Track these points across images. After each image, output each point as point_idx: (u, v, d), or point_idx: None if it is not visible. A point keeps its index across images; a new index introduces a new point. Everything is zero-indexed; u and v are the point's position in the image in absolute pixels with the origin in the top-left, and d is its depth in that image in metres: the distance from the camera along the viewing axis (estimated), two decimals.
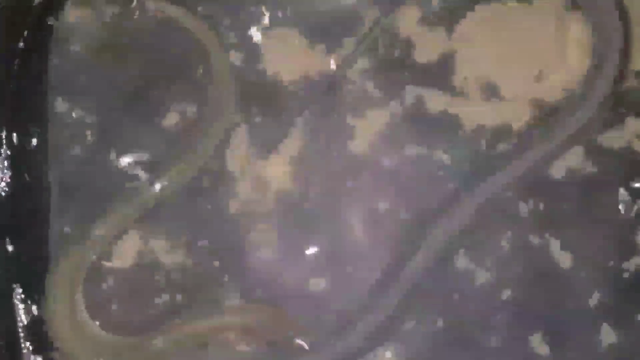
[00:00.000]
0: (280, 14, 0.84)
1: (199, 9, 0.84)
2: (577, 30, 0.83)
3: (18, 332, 0.78)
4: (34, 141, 0.83)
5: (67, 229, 0.82)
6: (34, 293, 0.80)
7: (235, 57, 0.84)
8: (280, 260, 0.82)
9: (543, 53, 0.83)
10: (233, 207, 0.82)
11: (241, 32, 0.84)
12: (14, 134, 0.83)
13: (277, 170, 0.83)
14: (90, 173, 0.83)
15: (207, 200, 0.82)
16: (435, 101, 0.83)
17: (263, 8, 0.84)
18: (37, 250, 0.81)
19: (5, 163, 0.82)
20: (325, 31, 0.84)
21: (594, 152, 0.81)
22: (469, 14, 0.83)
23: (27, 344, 0.78)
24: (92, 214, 0.81)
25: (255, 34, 0.84)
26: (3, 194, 0.81)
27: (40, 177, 0.82)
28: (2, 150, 0.81)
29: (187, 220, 0.82)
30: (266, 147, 0.83)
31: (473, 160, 0.81)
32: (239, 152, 0.83)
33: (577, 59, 0.83)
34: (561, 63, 0.83)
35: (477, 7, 0.83)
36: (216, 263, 0.82)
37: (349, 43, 0.84)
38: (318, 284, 0.80)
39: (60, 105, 0.84)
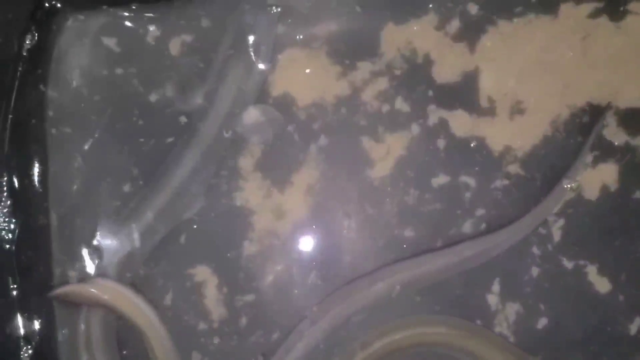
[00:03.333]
0: (295, 35, 0.78)
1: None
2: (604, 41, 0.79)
3: None
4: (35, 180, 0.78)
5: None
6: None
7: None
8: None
9: (568, 67, 0.78)
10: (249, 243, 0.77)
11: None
12: (14, 178, 0.77)
13: (294, 201, 0.78)
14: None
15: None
16: (460, 122, 0.78)
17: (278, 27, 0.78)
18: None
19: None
20: (340, 52, 0.79)
21: (629, 171, 0.76)
22: (491, 29, 0.78)
23: None
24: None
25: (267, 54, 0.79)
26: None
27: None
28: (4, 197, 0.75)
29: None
30: (281, 176, 0.77)
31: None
32: (252, 183, 0.77)
33: (603, 71, 0.78)
34: (587, 76, 0.79)
35: (500, 21, 0.78)
36: None
37: (364, 65, 0.79)
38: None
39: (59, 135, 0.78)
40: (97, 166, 0.78)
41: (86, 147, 0.78)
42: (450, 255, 0.74)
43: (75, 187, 0.78)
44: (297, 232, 0.78)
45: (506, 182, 0.77)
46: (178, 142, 0.77)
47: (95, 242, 0.78)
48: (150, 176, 0.77)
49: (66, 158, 0.78)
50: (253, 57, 0.78)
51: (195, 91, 0.77)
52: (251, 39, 0.78)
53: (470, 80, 0.75)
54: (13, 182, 0.77)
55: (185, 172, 0.75)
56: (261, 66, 0.78)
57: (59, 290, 0.74)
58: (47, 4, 0.77)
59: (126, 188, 0.78)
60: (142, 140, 0.78)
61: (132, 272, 0.76)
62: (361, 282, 0.75)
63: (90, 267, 0.77)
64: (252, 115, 0.78)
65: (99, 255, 0.77)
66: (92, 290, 0.73)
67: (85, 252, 0.78)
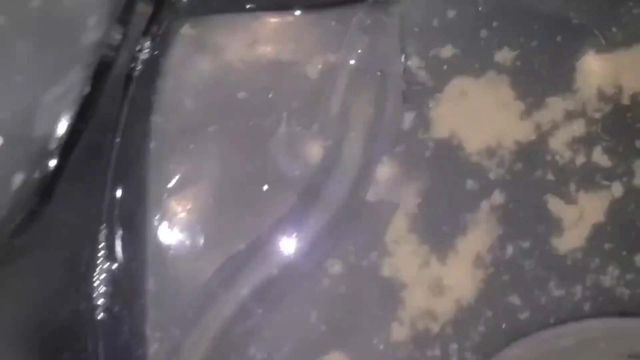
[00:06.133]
0: (469, 60, 0.61)
1: None
2: None
3: None
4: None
5: None
6: None
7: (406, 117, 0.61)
8: None
9: None
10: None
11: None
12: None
13: (458, 274, 0.60)
14: None
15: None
16: None
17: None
18: None
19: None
20: (526, 85, 0.61)
21: None
22: None
23: None
24: None
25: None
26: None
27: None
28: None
29: None
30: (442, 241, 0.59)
31: None
32: (405, 247, 0.60)
33: None
34: None
35: None
36: None
37: (555, 103, 0.61)
38: None
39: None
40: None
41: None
42: None
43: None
44: (460, 314, 0.60)
45: None
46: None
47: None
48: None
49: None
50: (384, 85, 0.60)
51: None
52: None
53: None
54: None
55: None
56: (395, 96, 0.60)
57: None
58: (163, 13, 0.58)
59: None
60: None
61: None
62: None
63: None
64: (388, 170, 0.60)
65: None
66: None
67: None
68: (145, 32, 0.58)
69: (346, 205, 0.60)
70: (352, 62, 0.61)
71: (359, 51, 0.61)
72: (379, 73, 0.60)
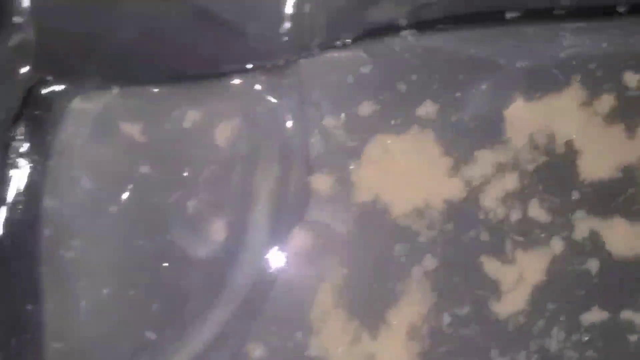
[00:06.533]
0: (389, 117, 0.57)
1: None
2: None
3: None
4: None
5: None
6: None
7: (324, 182, 0.56)
8: None
9: None
10: None
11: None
12: None
13: (392, 349, 0.55)
14: None
15: None
16: (618, 235, 0.56)
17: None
18: None
19: None
20: (452, 138, 0.57)
21: None
22: None
23: None
24: None
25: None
26: None
27: None
28: None
29: None
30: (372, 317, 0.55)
31: None
32: (333, 324, 0.55)
33: None
34: None
35: None
36: None
37: (484, 156, 0.57)
38: None
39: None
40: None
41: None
42: None
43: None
44: None
45: None
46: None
47: None
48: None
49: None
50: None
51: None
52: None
53: (629, 178, 0.54)
54: None
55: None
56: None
57: None
58: (45, 83, 0.53)
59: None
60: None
61: None
62: None
63: None
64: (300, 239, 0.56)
65: None
66: None
67: None
68: (18, 116, 0.53)
69: (259, 283, 0.55)
70: (251, 130, 0.56)
71: (258, 118, 0.56)
72: (280, 141, 0.55)
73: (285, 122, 0.56)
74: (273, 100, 0.56)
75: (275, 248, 0.56)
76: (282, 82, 0.55)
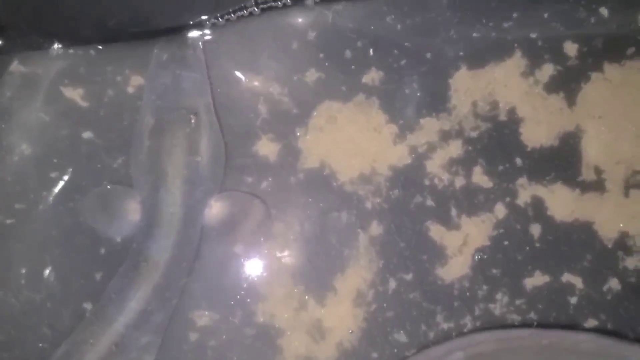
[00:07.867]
0: (336, 83, 0.57)
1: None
2: None
3: None
4: None
5: None
6: None
7: (271, 149, 0.56)
8: None
9: None
10: None
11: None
12: None
13: (338, 316, 0.55)
14: None
15: None
16: (560, 201, 0.57)
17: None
18: None
19: None
20: (398, 106, 0.57)
21: None
22: (595, 75, 0.58)
23: None
24: None
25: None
26: None
27: None
28: None
29: None
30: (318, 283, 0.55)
31: None
32: (279, 290, 0.55)
33: None
34: None
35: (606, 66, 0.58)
36: None
37: (430, 124, 0.57)
38: None
39: None
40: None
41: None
42: None
43: None
44: (344, 358, 0.55)
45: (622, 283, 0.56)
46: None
47: None
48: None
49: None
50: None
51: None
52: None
53: (570, 145, 0.54)
54: None
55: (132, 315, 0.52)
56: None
57: None
58: None
59: None
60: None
61: None
62: None
63: None
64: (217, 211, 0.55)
65: None
66: None
67: None
68: None
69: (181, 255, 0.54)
70: (155, 101, 0.54)
71: (161, 89, 0.54)
72: (185, 110, 0.53)
73: (188, 93, 0.55)
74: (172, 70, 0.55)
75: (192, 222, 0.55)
76: (183, 52, 0.54)
